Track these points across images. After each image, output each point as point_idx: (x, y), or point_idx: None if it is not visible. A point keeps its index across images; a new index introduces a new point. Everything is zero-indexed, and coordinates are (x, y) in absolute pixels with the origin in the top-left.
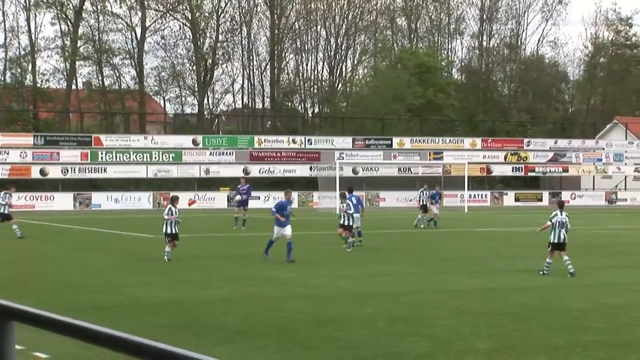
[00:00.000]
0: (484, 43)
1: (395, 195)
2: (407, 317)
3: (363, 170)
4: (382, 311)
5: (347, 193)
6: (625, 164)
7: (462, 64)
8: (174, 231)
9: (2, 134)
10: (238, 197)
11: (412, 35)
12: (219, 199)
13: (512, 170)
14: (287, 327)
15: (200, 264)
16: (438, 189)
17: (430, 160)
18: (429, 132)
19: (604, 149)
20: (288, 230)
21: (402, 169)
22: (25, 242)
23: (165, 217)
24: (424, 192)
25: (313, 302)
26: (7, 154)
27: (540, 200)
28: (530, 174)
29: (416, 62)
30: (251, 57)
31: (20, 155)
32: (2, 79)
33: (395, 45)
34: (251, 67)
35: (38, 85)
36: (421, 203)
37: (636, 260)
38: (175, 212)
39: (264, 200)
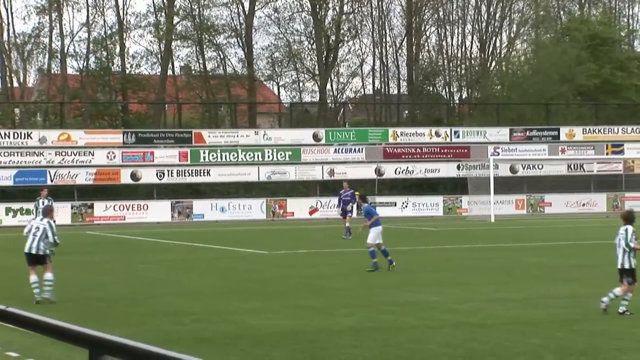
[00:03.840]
0: None
1: (564, 198)
2: (582, 349)
3: (524, 169)
4: (551, 343)
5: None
6: None
7: None
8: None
9: (86, 131)
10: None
11: (582, 0)
12: None
13: None
14: None
15: (324, 286)
16: None
17: (607, 154)
18: (606, 119)
19: None
20: None
21: (572, 166)
22: (115, 262)
23: None
24: None
25: (464, 332)
26: (92, 154)
27: None
28: None
29: (588, 33)
30: (384, 32)
31: (108, 156)
32: (85, 64)
33: (561, 12)
34: (384, 45)
35: (127, 71)
36: None
37: None
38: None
39: (402, 207)
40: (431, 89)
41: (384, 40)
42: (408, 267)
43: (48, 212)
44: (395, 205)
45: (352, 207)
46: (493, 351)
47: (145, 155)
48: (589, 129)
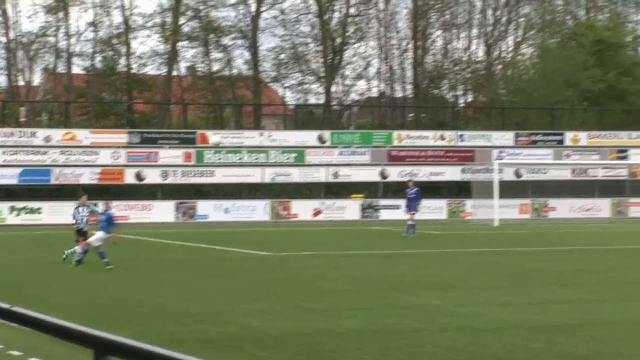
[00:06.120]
0: None
1: (569, 203)
2: (584, 355)
3: (528, 173)
4: (554, 348)
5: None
6: None
7: None
8: None
9: (91, 131)
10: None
11: (589, 5)
12: (350, 209)
13: None
14: None
15: (327, 289)
16: None
17: (611, 159)
18: (611, 125)
19: None
20: None
21: (576, 171)
22: (119, 262)
23: None
24: None
25: (466, 336)
26: (97, 154)
27: None
28: None
29: (594, 38)
30: (389, 35)
31: (112, 156)
32: (91, 64)
33: (568, 17)
34: (389, 47)
35: (133, 71)
36: None
37: None
38: None
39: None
40: (436, 92)
41: (389, 43)
42: (411, 271)
43: None
44: (399, 208)
45: (417, 204)
46: (495, 355)
47: (150, 155)
48: (594, 134)
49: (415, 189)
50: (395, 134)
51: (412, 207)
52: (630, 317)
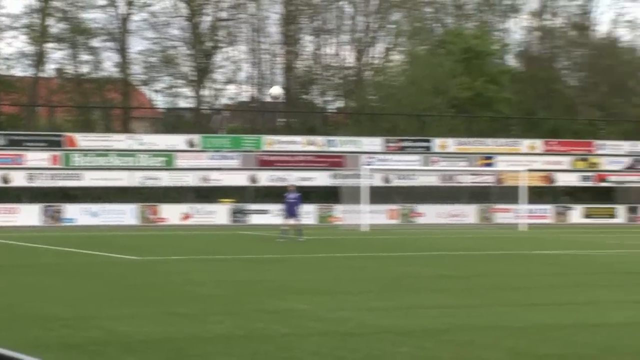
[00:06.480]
0: (547, 23)
1: (436, 209)
2: (450, 359)
3: (397, 179)
4: (420, 353)
5: None
6: None
7: (520, 48)
8: None
9: None
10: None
11: (458, 13)
12: (220, 213)
13: (580, 180)
14: None
15: (196, 293)
16: None
17: (479, 166)
18: (478, 132)
19: None
20: None
21: (444, 177)
22: None
23: None
24: None
25: (333, 341)
26: None
27: (614, 216)
28: (602, 184)
29: (462, 46)
30: (260, 40)
31: None
32: None
33: (437, 25)
34: (260, 52)
35: (0, 72)
36: None
37: None
38: None
39: (276, 215)
40: (307, 97)
41: (260, 47)
42: (280, 275)
43: None
44: (269, 213)
45: (297, 209)
46: None
47: (16, 158)
48: (462, 141)
49: (297, 194)
50: (266, 138)
51: (292, 212)
52: (497, 322)
